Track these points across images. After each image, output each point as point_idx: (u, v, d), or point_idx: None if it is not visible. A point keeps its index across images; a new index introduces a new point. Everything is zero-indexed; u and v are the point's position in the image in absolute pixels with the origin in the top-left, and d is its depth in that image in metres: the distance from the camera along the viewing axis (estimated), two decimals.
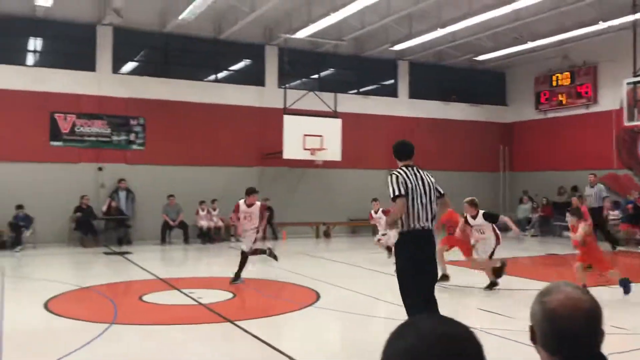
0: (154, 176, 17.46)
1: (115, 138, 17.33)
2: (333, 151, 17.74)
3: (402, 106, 21.50)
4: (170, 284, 10.11)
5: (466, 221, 9.44)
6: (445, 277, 9.31)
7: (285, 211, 18.73)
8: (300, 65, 19.97)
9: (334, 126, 17.96)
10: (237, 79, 19.68)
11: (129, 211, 16.88)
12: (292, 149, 17.22)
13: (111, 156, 17.25)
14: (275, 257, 11.40)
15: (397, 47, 18.96)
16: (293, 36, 17.43)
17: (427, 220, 5.61)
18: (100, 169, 17.01)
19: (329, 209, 19.46)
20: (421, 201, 5.59)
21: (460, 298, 9.23)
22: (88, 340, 6.35)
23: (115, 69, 17.70)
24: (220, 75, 19.53)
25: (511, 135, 22.96)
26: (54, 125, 16.51)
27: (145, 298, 8.89)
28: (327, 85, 20.08)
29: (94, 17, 17.07)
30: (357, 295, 9.23)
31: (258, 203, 10.48)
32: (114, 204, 16.61)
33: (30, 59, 17.18)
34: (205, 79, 19.27)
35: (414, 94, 21.88)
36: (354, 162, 19.35)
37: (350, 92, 21.03)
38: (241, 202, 10.33)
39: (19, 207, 15.27)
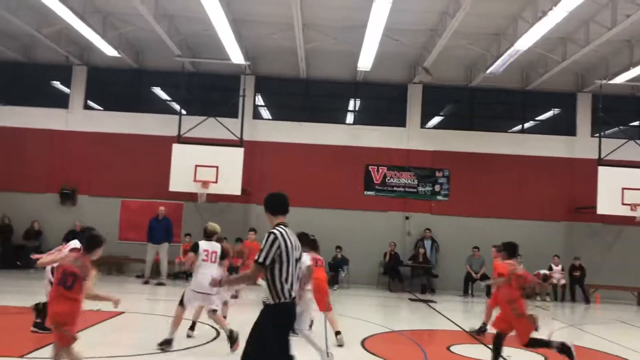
0: (458, 227, 17.74)
1: (421, 189, 18.21)
2: None
3: None
4: (476, 338, 10.04)
5: None
6: None
7: (598, 272, 17.08)
8: (618, 112, 18.25)
9: None
10: (545, 129, 18.97)
11: (433, 260, 17.42)
12: (607, 204, 15.75)
13: (417, 206, 18.14)
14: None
15: None
16: (610, 82, 16.12)
17: (292, 289, 4.69)
18: (407, 218, 18.03)
19: None
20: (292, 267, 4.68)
21: None
22: None
23: (423, 123, 18.73)
24: (527, 125, 19.08)
25: None
26: (368, 176, 18.19)
27: (453, 349, 8.99)
28: None
29: (405, 77, 18.49)
30: None
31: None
32: (422, 250, 17.29)
33: (349, 118, 19.30)
34: (511, 130, 19.04)
35: None
36: None
37: None
38: None
39: (338, 248, 17.04)
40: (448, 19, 13.70)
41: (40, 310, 8.07)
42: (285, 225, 4.74)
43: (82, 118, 18.42)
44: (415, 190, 18.24)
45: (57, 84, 18.91)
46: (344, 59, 17.71)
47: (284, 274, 4.58)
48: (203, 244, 8.23)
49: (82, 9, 14.02)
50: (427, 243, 17.62)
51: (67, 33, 16.51)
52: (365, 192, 18.18)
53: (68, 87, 18.60)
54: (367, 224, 17.91)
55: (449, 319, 12.18)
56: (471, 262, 17.03)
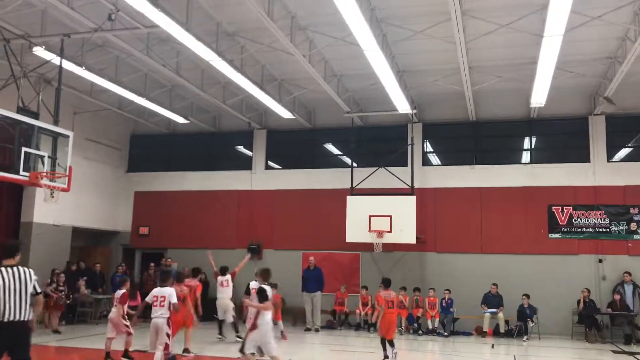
0: None
1: (614, 228, 16.59)
2: None
3: None
4: None
5: None
6: None
7: None
8: None
9: None
10: None
11: (636, 307, 15.58)
12: None
13: (611, 247, 16.51)
14: None
15: None
16: None
17: (13, 314, 6.33)
18: (600, 260, 16.46)
19: None
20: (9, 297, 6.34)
21: None
22: None
23: (610, 157, 17.21)
24: None
25: None
26: (551, 218, 17.02)
27: None
28: None
29: (585, 109, 17.30)
30: None
31: None
32: (617, 296, 15.62)
33: (526, 157, 18.37)
34: None
35: None
36: None
37: None
38: None
39: (525, 295, 15.97)
40: (629, 44, 12.65)
41: None
42: (9, 266, 6.46)
43: (264, 177, 19.84)
44: (608, 229, 16.64)
45: (241, 148, 20.69)
46: (514, 97, 17.14)
47: None
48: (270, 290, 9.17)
49: (259, 79, 15.33)
50: (628, 288, 15.84)
51: (247, 101, 18.12)
52: (549, 235, 16.98)
53: (250, 150, 20.24)
54: (555, 269, 16.67)
55: None
56: None
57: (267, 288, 8.77)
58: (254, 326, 8.26)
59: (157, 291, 9.13)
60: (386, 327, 11.17)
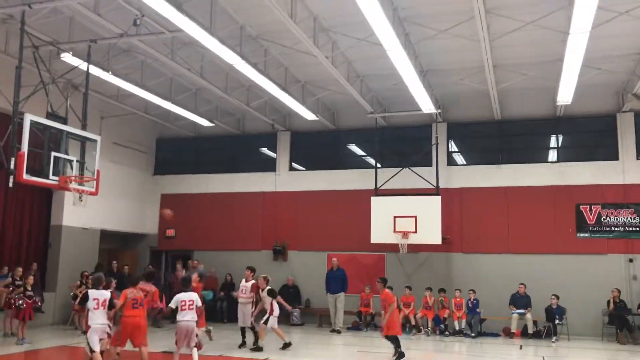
0: None
1: None
2: None
3: None
4: None
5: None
6: None
7: None
8: None
9: None
10: None
11: None
12: None
13: None
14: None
15: None
16: None
17: None
18: (630, 260, 16.15)
19: None
20: None
21: None
22: None
23: (639, 154, 16.88)
24: None
25: None
26: (580, 217, 16.75)
27: None
28: None
29: (613, 106, 17.01)
30: None
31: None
32: None
33: (552, 155, 18.12)
34: None
35: None
36: None
37: None
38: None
39: (554, 296, 15.70)
40: None
41: None
42: None
43: (288, 179, 19.89)
44: (638, 228, 16.30)
45: (265, 150, 20.78)
46: (540, 95, 16.93)
47: None
48: (93, 293, 8.84)
49: (283, 81, 15.39)
50: None
51: (271, 103, 18.20)
52: (578, 234, 16.72)
53: (274, 152, 20.32)
54: (584, 269, 16.40)
55: None
56: None
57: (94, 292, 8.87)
58: (88, 327, 8.76)
59: (184, 296, 9.48)
60: (400, 323, 12.14)
